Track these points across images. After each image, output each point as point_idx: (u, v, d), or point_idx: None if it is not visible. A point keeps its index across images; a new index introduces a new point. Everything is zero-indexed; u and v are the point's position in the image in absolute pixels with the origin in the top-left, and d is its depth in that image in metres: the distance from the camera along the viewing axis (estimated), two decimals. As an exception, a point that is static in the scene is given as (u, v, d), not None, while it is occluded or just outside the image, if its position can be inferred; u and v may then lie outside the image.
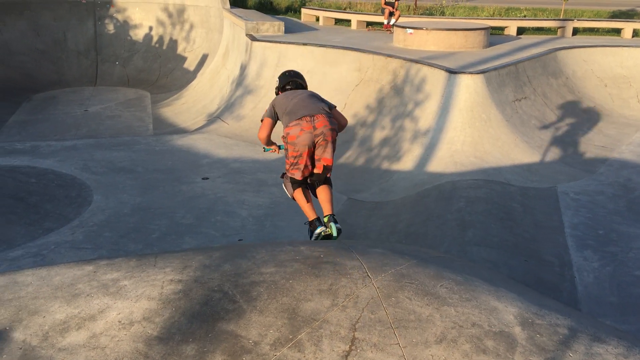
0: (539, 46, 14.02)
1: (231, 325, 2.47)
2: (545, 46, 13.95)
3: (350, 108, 11.69)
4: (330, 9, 21.21)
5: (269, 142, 5.17)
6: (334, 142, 4.73)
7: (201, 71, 18.44)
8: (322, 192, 4.83)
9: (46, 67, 19.39)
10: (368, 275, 2.92)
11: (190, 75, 18.60)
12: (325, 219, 4.75)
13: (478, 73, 10.27)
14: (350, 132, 11.19)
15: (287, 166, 4.88)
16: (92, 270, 2.90)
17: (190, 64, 19.40)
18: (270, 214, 8.47)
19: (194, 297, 2.65)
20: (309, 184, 5.00)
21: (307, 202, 4.87)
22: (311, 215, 4.81)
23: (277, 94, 5.31)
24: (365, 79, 11.88)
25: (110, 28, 20.73)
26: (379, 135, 10.71)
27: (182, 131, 13.58)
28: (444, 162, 9.30)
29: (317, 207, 5.17)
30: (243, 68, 14.33)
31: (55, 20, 20.28)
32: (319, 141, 4.61)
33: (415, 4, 23.55)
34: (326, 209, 4.79)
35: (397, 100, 10.95)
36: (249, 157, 10.97)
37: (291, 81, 5.14)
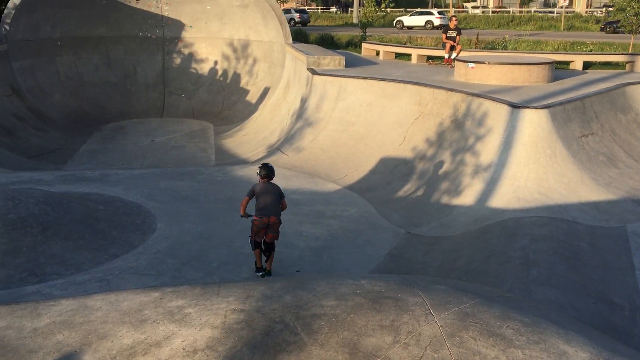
0: (606, 81, 13.61)
1: (292, 358, 2.47)
2: (613, 81, 13.53)
3: (409, 141, 11.65)
4: (391, 44, 21.39)
5: (245, 213, 7.58)
6: (277, 227, 7.38)
7: (263, 104, 18.88)
8: (269, 257, 7.52)
9: (116, 99, 20.34)
10: (431, 312, 2.86)
11: (252, 108, 19.07)
12: (265, 272, 7.41)
13: (543, 108, 10.05)
14: (408, 166, 11.14)
15: (252, 234, 7.42)
16: (158, 297, 2.98)
17: (252, 97, 19.90)
18: (328, 246, 8.47)
19: (256, 327, 2.67)
20: (262, 245, 7.54)
21: (259, 256, 7.48)
22: (259, 264, 7.47)
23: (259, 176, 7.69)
24: (425, 113, 11.84)
25: (178, 62, 21.60)
26: (438, 169, 10.59)
27: (243, 162, 13.87)
28: (506, 197, 9.08)
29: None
30: (303, 101, 14.58)
31: (126, 54, 21.33)
32: (268, 228, 7.35)
33: (477, 38, 23.42)
34: (267, 266, 7.46)
35: (457, 134, 10.84)
36: (308, 189, 11.06)
37: (266, 175, 7.55)
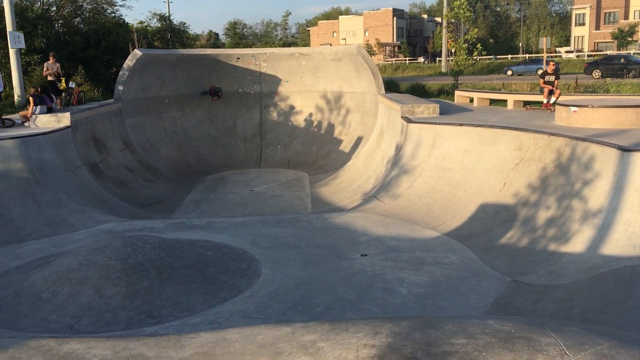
0: None
1: (428, 393, 2.50)
2: None
3: (510, 187, 11.40)
4: (485, 90, 21.23)
5: None
6: None
7: (356, 152, 19.21)
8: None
9: (217, 152, 21.46)
10: (566, 353, 2.79)
11: (346, 157, 19.45)
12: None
13: (655, 150, 9.54)
14: (510, 212, 10.86)
15: None
16: (290, 332, 3.12)
17: (345, 146, 20.32)
18: (430, 293, 8.36)
19: (389, 363, 2.74)
20: None
21: None
22: None
23: None
24: (527, 158, 11.58)
25: (274, 115, 22.56)
26: (543, 215, 10.25)
27: (339, 209, 14.08)
28: (620, 245, 8.60)
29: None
30: (398, 149, 14.70)
31: (226, 109, 22.58)
32: None
33: (576, 82, 22.76)
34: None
35: (562, 179, 10.49)
36: (406, 236, 11.03)
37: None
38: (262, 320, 7.42)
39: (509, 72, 45.85)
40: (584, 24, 75.67)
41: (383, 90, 19.51)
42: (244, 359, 2.87)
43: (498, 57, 66.74)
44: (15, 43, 20.14)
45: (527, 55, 64.36)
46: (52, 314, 7.58)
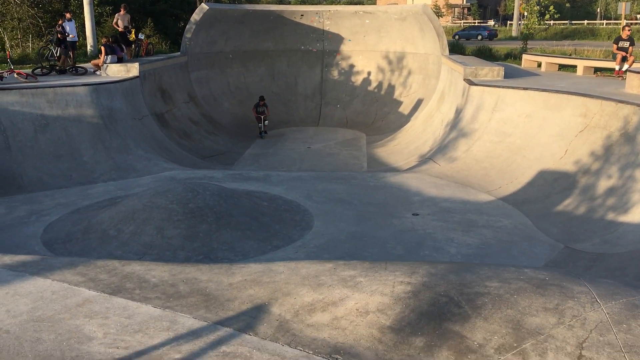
0: None
1: (457, 327, 2.65)
2: None
3: (571, 154, 11.12)
4: (554, 55, 20.44)
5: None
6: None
7: (415, 115, 19.05)
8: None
9: (278, 108, 21.73)
10: (597, 301, 2.87)
11: (405, 119, 19.32)
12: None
13: None
14: (570, 180, 10.64)
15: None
16: (332, 267, 3.32)
17: (405, 108, 20.16)
18: (479, 254, 8.40)
19: (422, 298, 2.89)
20: None
21: None
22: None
23: None
24: (592, 125, 11.23)
25: (335, 74, 22.54)
26: (604, 184, 9.99)
27: (395, 170, 14.14)
28: (682, 217, 8.34)
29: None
30: (458, 112, 14.51)
31: (289, 67, 22.74)
32: None
33: (653, 49, 21.51)
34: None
35: (627, 149, 10.14)
36: (460, 198, 11.02)
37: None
38: (312, 268, 7.70)
39: (457, 37, 44.92)
40: (671, -11, 70.48)
41: (447, 52, 19.12)
42: (287, 287, 3.10)
43: (573, 22, 63.47)
44: (89, -6, 20.86)
45: (585, 22, 61.26)
46: (117, 250, 8.13)
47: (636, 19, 61.20)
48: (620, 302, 2.89)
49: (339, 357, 2.59)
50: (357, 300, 3.03)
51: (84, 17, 21.79)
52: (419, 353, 2.55)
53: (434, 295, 2.98)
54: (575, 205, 9.98)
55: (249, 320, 2.95)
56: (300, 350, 2.67)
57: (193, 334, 3.04)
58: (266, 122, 18.84)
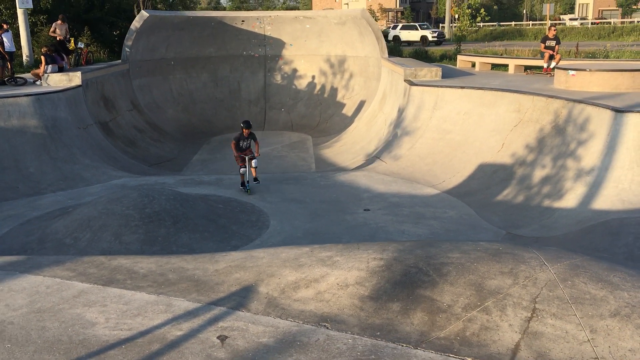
0: None
1: (427, 292, 2.99)
2: None
3: (508, 148, 11.86)
4: (487, 55, 21.47)
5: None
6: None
7: (359, 116, 19.58)
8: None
9: (222, 114, 21.81)
10: (545, 263, 3.30)
11: (349, 120, 19.82)
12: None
13: (648, 112, 9.96)
14: (508, 171, 11.34)
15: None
16: (308, 250, 3.61)
17: (348, 110, 20.67)
18: (430, 243, 8.87)
19: (395, 270, 3.23)
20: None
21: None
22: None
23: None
24: (525, 120, 12.01)
25: (278, 79, 22.83)
26: (539, 174, 10.73)
27: (343, 169, 14.56)
28: (609, 200, 9.11)
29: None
30: (400, 111, 15.10)
31: (231, 72, 22.84)
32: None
33: (577, 48, 22.98)
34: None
35: (558, 140, 10.94)
36: (407, 193, 11.53)
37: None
38: (273, 264, 7.95)
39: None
40: (589, -9, 74.82)
41: (386, 54, 19.76)
42: (270, 270, 3.37)
43: (502, 24, 66.26)
44: (23, 3, 20.27)
45: (513, 23, 64.25)
46: (76, 257, 8.12)
47: (559, 20, 64.54)
48: (564, 263, 3.33)
49: (327, 324, 2.88)
50: (337, 276, 3.34)
51: (18, 26, 21.16)
52: (397, 316, 2.89)
53: (404, 267, 3.33)
54: (513, 195, 10.66)
55: (239, 299, 3.21)
56: (291, 321, 2.95)
57: (190, 314, 3.27)
58: (254, 163, 11.79)
